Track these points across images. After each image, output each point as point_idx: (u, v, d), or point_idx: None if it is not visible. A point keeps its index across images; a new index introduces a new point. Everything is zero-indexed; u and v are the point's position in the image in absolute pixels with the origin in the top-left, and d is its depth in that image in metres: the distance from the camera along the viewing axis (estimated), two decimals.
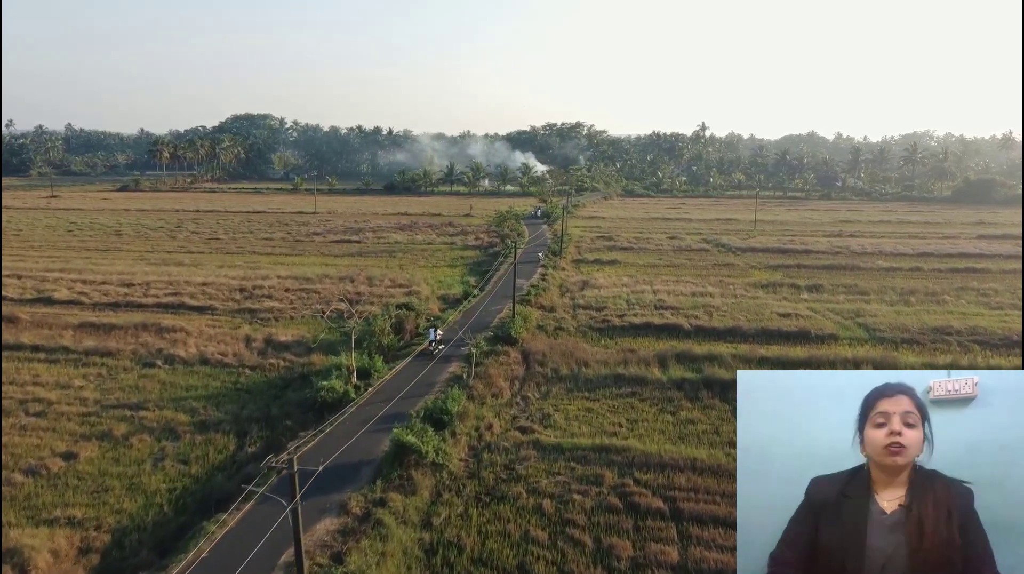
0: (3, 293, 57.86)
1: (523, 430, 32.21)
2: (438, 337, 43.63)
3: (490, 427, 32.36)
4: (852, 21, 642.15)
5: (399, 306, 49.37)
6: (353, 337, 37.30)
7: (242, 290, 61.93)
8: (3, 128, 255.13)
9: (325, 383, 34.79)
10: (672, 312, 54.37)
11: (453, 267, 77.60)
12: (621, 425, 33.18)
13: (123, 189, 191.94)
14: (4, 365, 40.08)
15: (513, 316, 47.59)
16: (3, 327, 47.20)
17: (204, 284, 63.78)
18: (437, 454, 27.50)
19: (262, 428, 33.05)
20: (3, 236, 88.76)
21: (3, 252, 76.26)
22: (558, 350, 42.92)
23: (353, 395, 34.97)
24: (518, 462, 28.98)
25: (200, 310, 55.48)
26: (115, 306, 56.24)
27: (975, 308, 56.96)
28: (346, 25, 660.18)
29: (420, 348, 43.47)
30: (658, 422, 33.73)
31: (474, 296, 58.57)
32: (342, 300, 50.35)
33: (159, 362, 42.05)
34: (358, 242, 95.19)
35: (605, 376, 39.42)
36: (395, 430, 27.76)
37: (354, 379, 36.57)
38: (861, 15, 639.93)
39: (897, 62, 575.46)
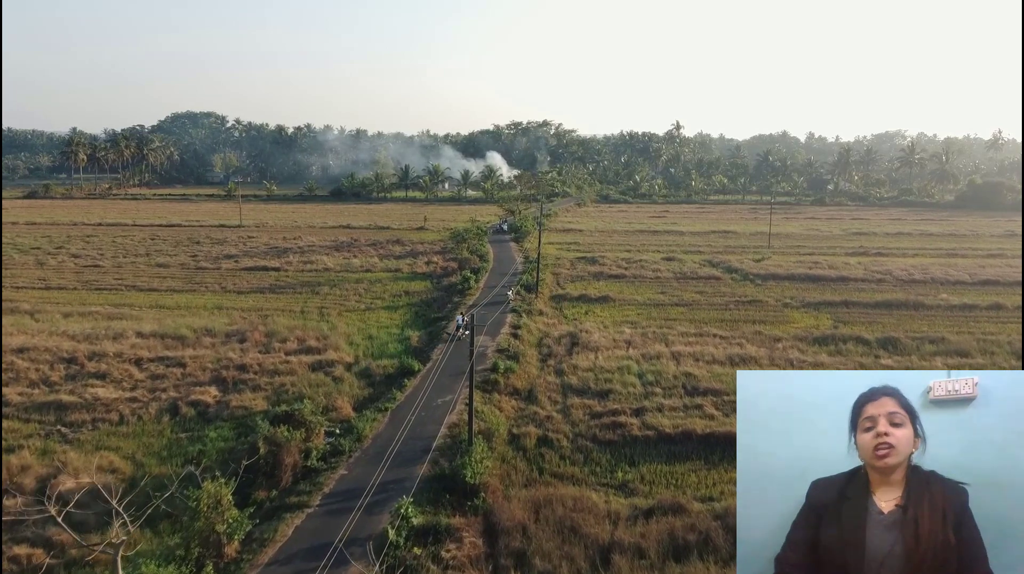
0: None
1: None
2: (464, 322, 43.53)
3: None
4: (822, 20, 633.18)
5: (276, 419, 29.00)
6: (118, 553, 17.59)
7: (71, 361, 41.72)
8: None
9: None
10: (713, 401, 35.70)
11: (393, 310, 57.94)
12: None
13: (30, 196, 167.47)
14: None
15: (470, 440, 27.85)
16: None
17: (20, 350, 43.37)
18: None
19: None
20: None
21: None
22: (550, 520, 23.74)
23: None
24: None
25: None
26: None
27: None
28: (307, 21, 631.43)
29: (449, 331, 45.22)
30: None
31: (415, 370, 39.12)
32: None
33: None
34: (276, 270, 74.60)
35: None
36: None
37: None
38: (832, 13, 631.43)
39: (868, 61, 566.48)
